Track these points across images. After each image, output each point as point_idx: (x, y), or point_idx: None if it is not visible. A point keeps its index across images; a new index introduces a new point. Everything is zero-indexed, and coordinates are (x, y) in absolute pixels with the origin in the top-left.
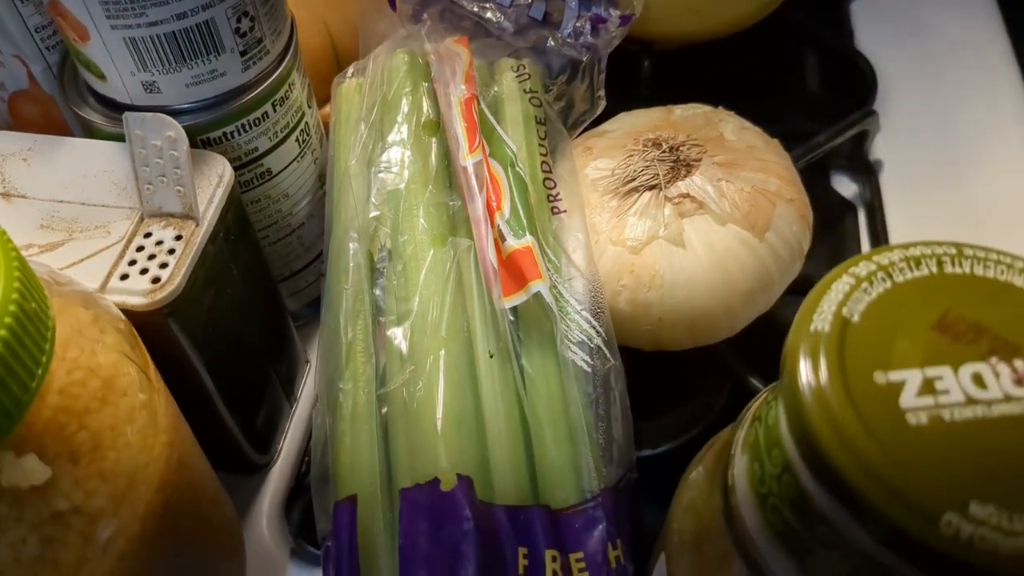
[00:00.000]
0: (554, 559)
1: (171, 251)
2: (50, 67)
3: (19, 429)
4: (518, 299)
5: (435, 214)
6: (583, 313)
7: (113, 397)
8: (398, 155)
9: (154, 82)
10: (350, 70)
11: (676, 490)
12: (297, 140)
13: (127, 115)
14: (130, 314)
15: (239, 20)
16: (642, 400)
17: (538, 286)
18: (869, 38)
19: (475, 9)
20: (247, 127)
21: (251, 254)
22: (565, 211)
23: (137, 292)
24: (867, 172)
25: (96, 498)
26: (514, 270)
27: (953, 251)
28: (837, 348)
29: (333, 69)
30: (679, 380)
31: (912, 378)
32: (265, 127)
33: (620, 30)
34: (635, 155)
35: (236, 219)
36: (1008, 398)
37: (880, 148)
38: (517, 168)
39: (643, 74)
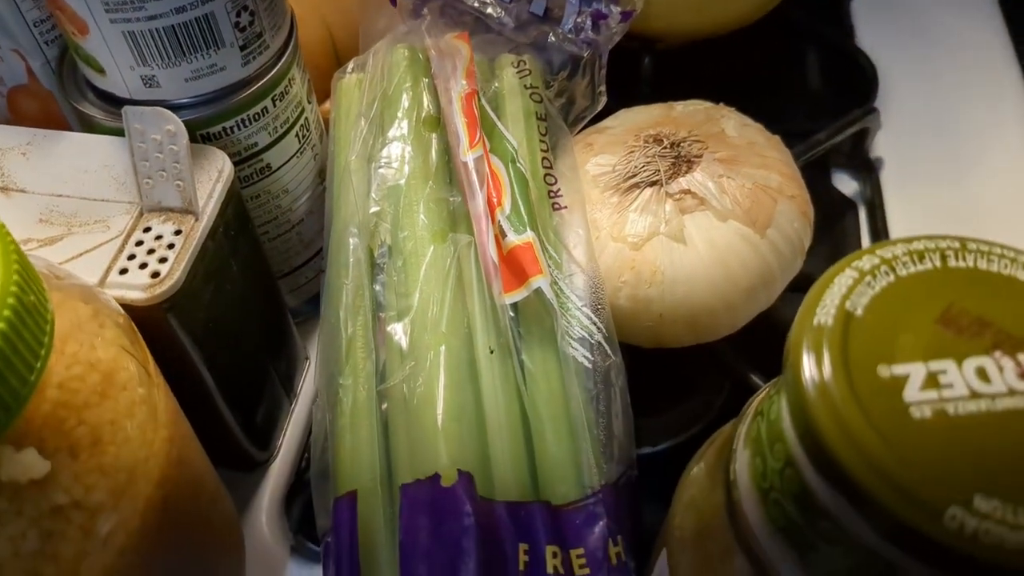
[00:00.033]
0: (555, 555)
1: (170, 246)
2: (49, 62)
3: (18, 423)
4: (519, 295)
5: (435, 210)
6: (584, 309)
7: (112, 392)
8: (398, 151)
9: (153, 76)
10: (350, 65)
11: (677, 486)
12: (297, 136)
13: (126, 109)
14: (129, 309)
15: (239, 14)
16: (642, 398)
17: (539, 282)
18: (870, 35)
19: (476, 4)
20: (247, 122)
21: (251, 250)
22: (566, 207)
23: (136, 287)
24: (868, 170)
25: (96, 493)
26: (515, 266)
27: (957, 245)
28: (840, 342)
29: (333, 65)
30: (679, 378)
31: (916, 372)
32: (265, 122)
33: (621, 26)
34: (636, 151)
35: (236, 214)
36: (1012, 392)
37: (881, 146)
38: (518, 164)
39: (643, 72)
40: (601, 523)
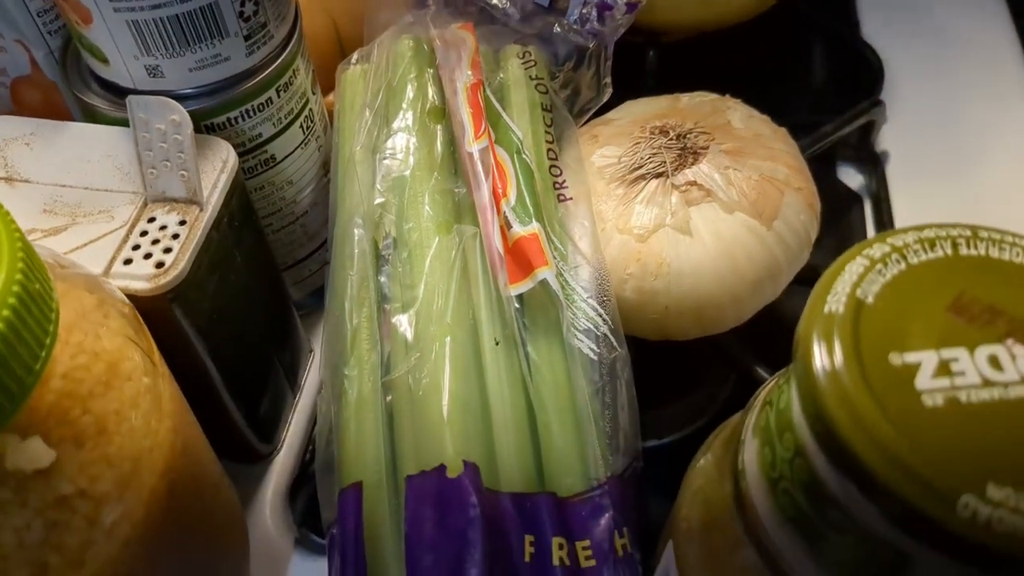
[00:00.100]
0: (561, 546)
1: (175, 236)
2: (52, 52)
3: (23, 413)
4: (524, 286)
5: (440, 201)
6: (589, 301)
7: (117, 381)
8: (403, 142)
9: (157, 66)
10: (354, 57)
11: (684, 478)
12: (301, 127)
13: (131, 98)
14: (134, 299)
15: (243, 4)
16: (647, 390)
17: (544, 273)
18: (876, 28)
19: None
20: (251, 113)
21: (255, 241)
22: (571, 199)
23: (141, 277)
24: (873, 163)
25: (101, 483)
26: (520, 257)
27: (968, 233)
28: (851, 330)
29: (337, 56)
30: (684, 370)
31: (928, 360)
32: (269, 113)
33: (626, 17)
34: (642, 143)
35: (240, 205)
36: None
37: (887, 139)
38: (523, 155)
39: (648, 65)
40: (607, 515)
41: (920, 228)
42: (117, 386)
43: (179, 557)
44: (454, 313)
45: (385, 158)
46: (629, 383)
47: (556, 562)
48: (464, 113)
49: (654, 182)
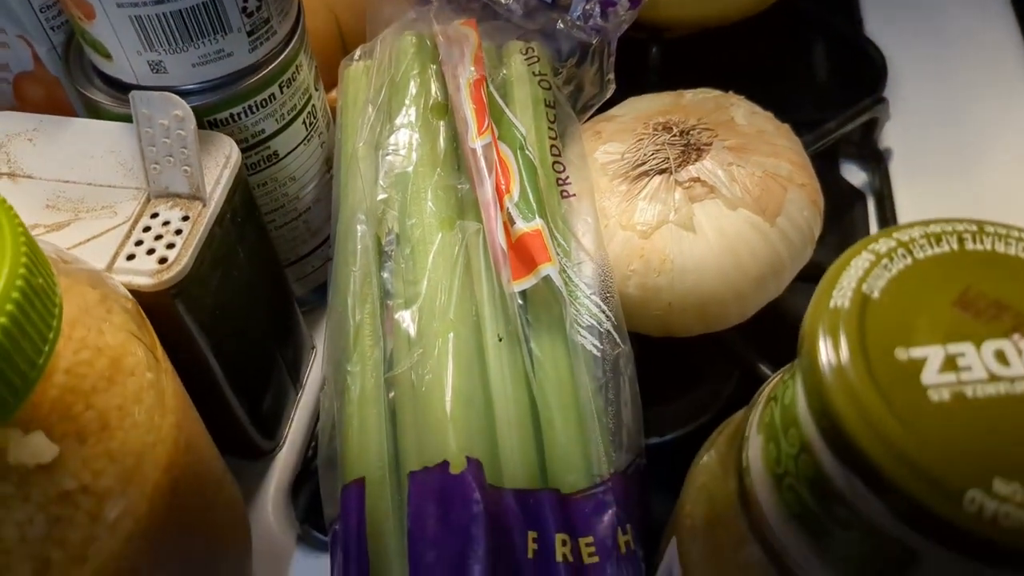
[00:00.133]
0: (564, 543)
1: (178, 231)
2: (55, 48)
3: (26, 408)
4: (527, 283)
5: (443, 197)
6: (592, 297)
7: (120, 377)
8: (406, 138)
9: (160, 62)
10: (357, 53)
11: (687, 474)
12: (304, 123)
13: (134, 94)
14: (137, 295)
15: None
16: (650, 387)
17: (547, 269)
18: (879, 25)
19: None
20: (254, 108)
21: (258, 237)
22: (574, 195)
23: (144, 272)
24: (876, 160)
25: (104, 478)
26: (523, 254)
27: (974, 228)
28: (857, 324)
29: (339, 53)
30: (687, 367)
31: (934, 355)
32: (272, 109)
33: (629, 13)
34: (645, 139)
35: (243, 201)
36: None
37: (890, 136)
38: (526, 151)
39: (651, 62)
40: (610, 511)
41: (926, 223)
42: (120, 381)
43: (181, 553)
44: (457, 309)
45: (388, 154)
46: (632, 379)
47: (559, 559)
48: (467, 109)
49: (657, 178)
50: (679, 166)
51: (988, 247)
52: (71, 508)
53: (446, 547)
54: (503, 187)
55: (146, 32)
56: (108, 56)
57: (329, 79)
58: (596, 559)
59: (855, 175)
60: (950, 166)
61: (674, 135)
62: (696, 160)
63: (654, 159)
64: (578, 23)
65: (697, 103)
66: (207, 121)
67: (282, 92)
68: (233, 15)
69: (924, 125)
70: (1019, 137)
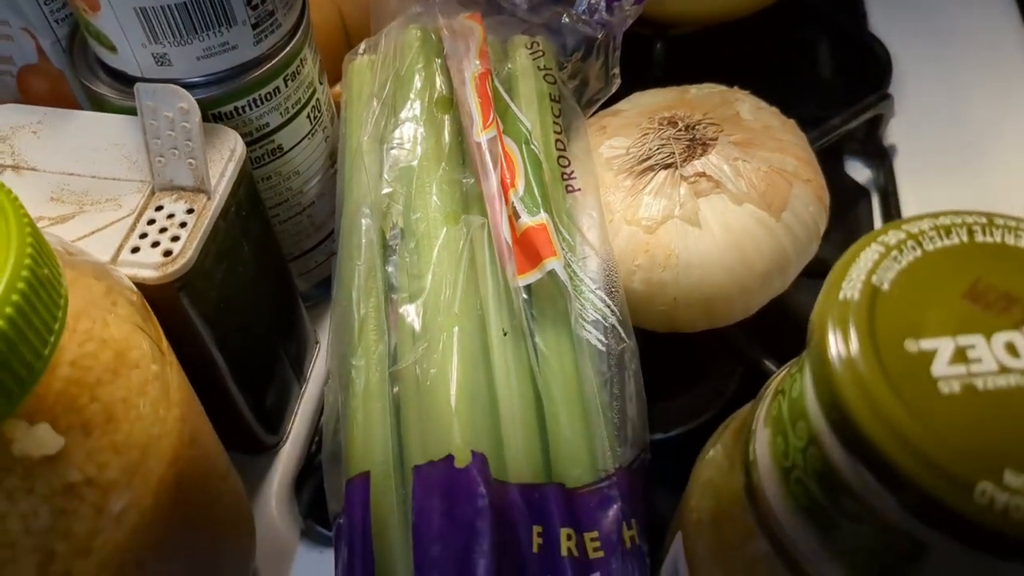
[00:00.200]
0: (569, 537)
1: (183, 224)
2: (59, 40)
3: (31, 400)
4: (532, 277)
5: (448, 191)
6: (597, 292)
7: (125, 369)
8: (411, 132)
9: (165, 54)
10: (362, 47)
11: (693, 469)
12: (308, 117)
13: (139, 86)
14: (141, 288)
15: None
16: (655, 383)
17: (552, 264)
18: (884, 21)
19: None
20: (258, 102)
21: (262, 231)
22: (579, 190)
23: (148, 265)
24: (881, 157)
25: (108, 470)
26: (528, 248)
27: (984, 220)
28: (867, 317)
29: (344, 47)
30: (691, 363)
31: (944, 346)
32: (276, 102)
33: (635, 8)
34: (650, 134)
35: (247, 195)
36: None
37: (894, 133)
38: (531, 145)
39: (656, 57)
40: (615, 506)
41: (935, 215)
42: (125, 374)
43: (185, 546)
44: (462, 303)
45: (393, 148)
46: (637, 374)
47: (564, 553)
48: (472, 103)
49: (663, 173)
50: (684, 161)
51: (998, 239)
52: (76, 500)
53: (451, 541)
54: (508, 181)
55: (151, 24)
56: (113, 49)
57: (333, 73)
58: (601, 554)
59: (859, 172)
60: (954, 163)
61: (679, 130)
62: (701, 155)
63: (659, 154)
64: (583, 17)
65: (702, 98)
66: (211, 114)
67: (287, 85)
68: (238, 8)
69: (929, 122)
70: None
